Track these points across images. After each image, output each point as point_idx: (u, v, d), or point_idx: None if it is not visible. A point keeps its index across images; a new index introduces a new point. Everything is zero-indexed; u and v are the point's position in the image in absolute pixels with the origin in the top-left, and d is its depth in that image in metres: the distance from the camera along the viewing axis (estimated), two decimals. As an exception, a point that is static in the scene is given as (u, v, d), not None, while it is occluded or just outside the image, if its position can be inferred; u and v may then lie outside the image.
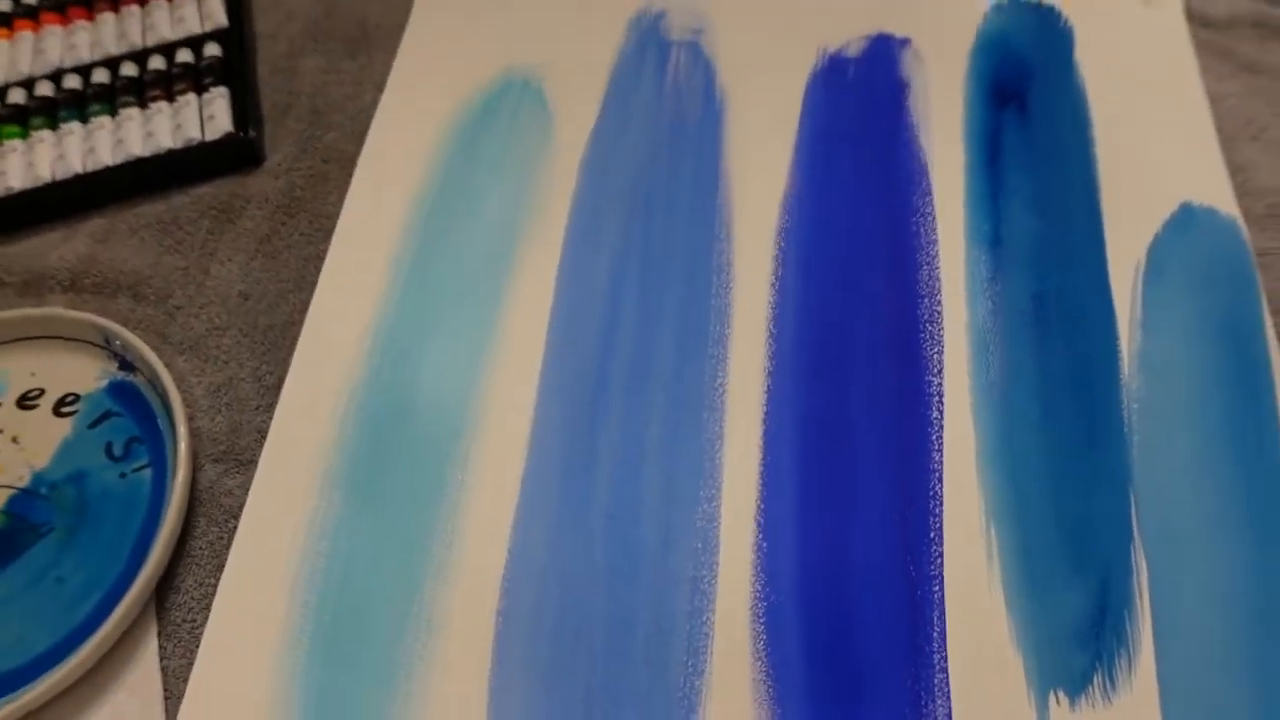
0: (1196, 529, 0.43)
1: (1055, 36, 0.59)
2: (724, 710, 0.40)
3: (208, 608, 0.44)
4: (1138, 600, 0.42)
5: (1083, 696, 0.40)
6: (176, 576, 0.46)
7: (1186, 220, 0.51)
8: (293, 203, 0.57)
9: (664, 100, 0.58)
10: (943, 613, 0.42)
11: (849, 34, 0.59)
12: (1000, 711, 0.40)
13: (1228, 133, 0.55)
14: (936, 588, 0.42)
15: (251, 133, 0.58)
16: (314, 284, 0.53)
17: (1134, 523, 0.43)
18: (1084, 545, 0.43)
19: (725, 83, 0.58)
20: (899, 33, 0.59)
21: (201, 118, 0.59)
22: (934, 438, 0.46)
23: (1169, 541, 0.43)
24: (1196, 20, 0.60)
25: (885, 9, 0.60)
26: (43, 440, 0.49)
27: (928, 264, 0.50)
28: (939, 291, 0.50)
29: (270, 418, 0.49)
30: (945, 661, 0.41)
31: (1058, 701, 0.40)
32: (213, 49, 0.62)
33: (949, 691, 0.40)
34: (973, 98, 0.56)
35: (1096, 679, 0.40)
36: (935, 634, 0.41)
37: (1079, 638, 0.41)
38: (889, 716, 0.40)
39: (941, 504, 0.44)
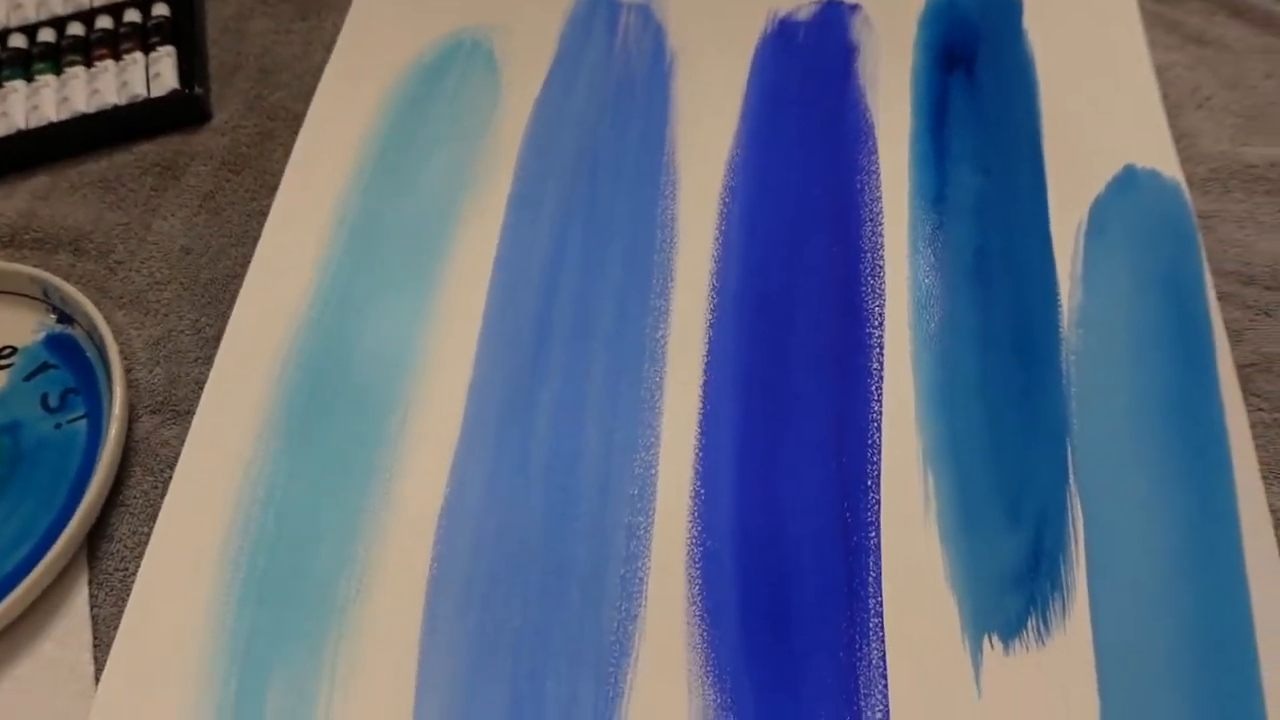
0: (1132, 480, 0.43)
1: (1004, 4, 0.59)
2: (658, 654, 0.40)
3: (141, 556, 0.44)
4: (1073, 547, 0.42)
5: (1016, 640, 0.40)
6: (110, 525, 0.45)
7: (1129, 181, 0.52)
8: (238, 160, 0.56)
9: (613, 61, 0.58)
10: (878, 558, 0.42)
11: (799, -1, 0.60)
12: (935, 654, 0.40)
13: (1173, 100, 0.56)
14: (873, 533, 0.42)
15: (198, 89, 0.58)
16: (257, 238, 0.52)
17: (1070, 472, 0.43)
18: (1020, 493, 0.43)
19: (675, 45, 0.58)
20: (849, -2, 0.59)
21: (148, 75, 0.58)
22: (873, 388, 0.46)
23: (1105, 491, 0.43)
24: (1145, -8, 0.61)
25: (837, -26, 0.60)
26: (-24, 392, 0.49)
27: (871, 220, 0.50)
28: (882, 247, 0.50)
29: (209, 370, 0.48)
30: (880, 606, 0.41)
31: (991, 645, 0.40)
32: (160, 9, 0.61)
33: (883, 635, 0.40)
34: (921, 62, 0.57)
35: (1030, 623, 0.40)
36: (871, 579, 0.41)
37: (1014, 582, 0.41)
38: (824, 660, 0.40)
39: (879, 452, 0.44)
